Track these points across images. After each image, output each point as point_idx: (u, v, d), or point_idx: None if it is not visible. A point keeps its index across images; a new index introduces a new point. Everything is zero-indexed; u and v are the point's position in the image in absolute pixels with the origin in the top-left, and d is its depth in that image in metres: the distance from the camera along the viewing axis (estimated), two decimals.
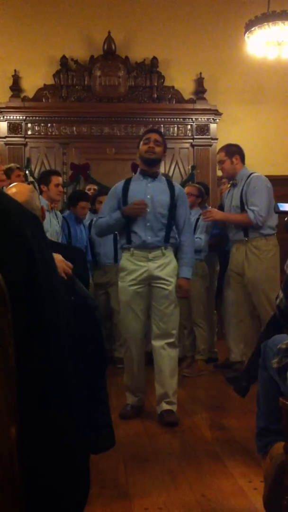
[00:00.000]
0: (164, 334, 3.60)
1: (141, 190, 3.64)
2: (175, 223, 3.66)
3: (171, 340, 3.61)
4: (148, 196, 3.60)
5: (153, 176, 3.69)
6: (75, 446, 1.26)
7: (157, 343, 3.62)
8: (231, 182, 4.39)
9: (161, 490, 2.55)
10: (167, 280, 3.59)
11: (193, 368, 4.88)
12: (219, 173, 5.60)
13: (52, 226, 4.67)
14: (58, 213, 5.01)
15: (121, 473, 2.76)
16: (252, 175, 4.22)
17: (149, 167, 3.68)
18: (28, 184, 4.75)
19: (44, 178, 4.75)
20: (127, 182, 3.73)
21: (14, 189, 2.36)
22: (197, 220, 4.97)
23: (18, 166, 5.52)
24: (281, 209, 2.20)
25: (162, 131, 7.33)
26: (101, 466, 2.74)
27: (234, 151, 4.30)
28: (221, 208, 5.08)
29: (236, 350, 4.86)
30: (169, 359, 3.60)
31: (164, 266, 3.59)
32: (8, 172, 4.87)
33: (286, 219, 2.21)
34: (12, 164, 5.27)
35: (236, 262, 4.26)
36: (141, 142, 3.68)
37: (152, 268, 3.57)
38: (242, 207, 4.18)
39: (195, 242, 3.85)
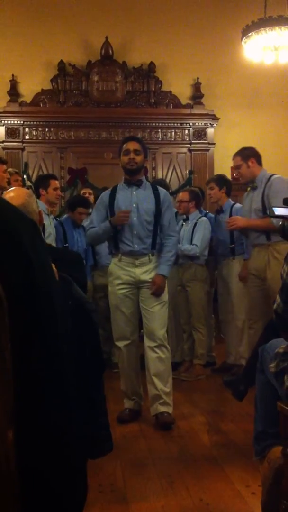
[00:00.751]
0: (151, 334, 3.62)
1: (126, 199, 3.68)
2: (160, 226, 3.70)
3: (159, 340, 3.62)
4: (134, 205, 3.65)
5: (137, 184, 3.72)
6: (73, 448, 1.27)
7: (146, 344, 3.65)
8: (250, 185, 4.30)
9: (159, 494, 2.55)
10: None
11: (191, 372, 4.87)
12: None
13: (53, 229, 4.70)
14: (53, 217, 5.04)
15: (119, 478, 2.75)
16: (273, 177, 4.10)
17: (132, 176, 3.71)
18: (27, 188, 4.77)
19: (42, 182, 4.77)
20: (113, 191, 3.78)
21: (11, 193, 2.36)
22: (195, 225, 4.94)
23: (16, 170, 5.53)
24: (276, 213, 2.19)
25: (160, 136, 7.37)
26: (98, 470, 2.74)
27: (248, 154, 4.20)
28: (219, 212, 5.07)
29: (235, 353, 4.86)
30: (159, 360, 3.60)
31: (151, 271, 3.64)
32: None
33: (280, 223, 2.20)
34: (10, 169, 5.28)
35: (257, 266, 4.18)
36: (121, 153, 3.70)
37: (139, 273, 3.63)
38: (264, 210, 4.09)
39: (177, 244, 3.87)
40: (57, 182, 4.83)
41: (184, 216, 5.06)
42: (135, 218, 3.62)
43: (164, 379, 3.61)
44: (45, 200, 4.63)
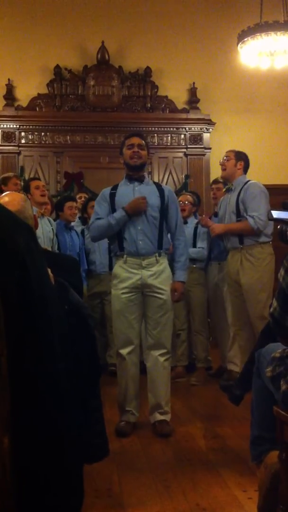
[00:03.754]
0: (158, 344, 3.54)
1: (129, 194, 3.55)
2: (167, 226, 3.60)
3: (165, 349, 3.56)
4: None
5: (140, 180, 3.62)
6: (68, 453, 1.26)
7: (151, 353, 3.57)
8: (226, 186, 4.41)
9: (155, 499, 2.54)
10: (161, 289, 3.50)
11: (198, 377, 4.84)
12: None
13: (44, 233, 4.66)
14: (51, 219, 4.99)
15: (115, 483, 2.74)
16: (249, 182, 4.24)
17: (135, 172, 3.60)
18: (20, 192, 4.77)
19: (25, 188, 4.82)
20: (114, 188, 3.66)
21: (6, 198, 2.35)
22: (195, 229, 4.97)
23: (15, 174, 5.51)
24: (275, 216, 2.20)
25: (156, 140, 7.38)
26: (95, 475, 2.73)
27: (241, 157, 4.37)
28: (215, 216, 5.08)
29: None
30: (163, 369, 3.56)
31: (158, 274, 3.50)
32: (5, 181, 4.92)
33: (278, 226, 2.21)
34: (10, 173, 5.30)
35: (232, 270, 4.24)
36: (124, 148, 3.61)
37: (146, 276, 3.47)
38: (238, 214, 4.17)
39: (187, 246, 3.74)
40: (38, 181, 4.86)
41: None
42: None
43: (166, 387, 3.57)
44: (33, 202, 4.60)
